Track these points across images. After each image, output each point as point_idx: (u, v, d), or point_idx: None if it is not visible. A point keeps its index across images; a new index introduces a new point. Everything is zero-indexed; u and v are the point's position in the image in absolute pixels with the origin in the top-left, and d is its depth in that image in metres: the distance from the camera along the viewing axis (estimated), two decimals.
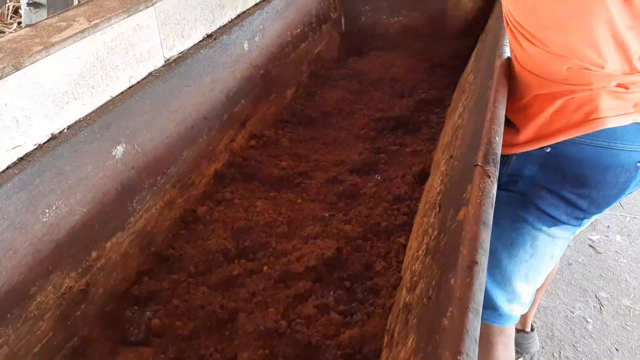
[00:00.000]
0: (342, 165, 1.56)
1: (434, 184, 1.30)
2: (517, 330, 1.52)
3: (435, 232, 1.00)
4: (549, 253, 1.09)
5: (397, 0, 2.25)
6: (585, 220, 1.06)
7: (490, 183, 0.86)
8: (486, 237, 0.76)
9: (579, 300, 2.00)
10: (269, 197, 1.43)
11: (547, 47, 0.95)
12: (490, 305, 1.13)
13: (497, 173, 0.89)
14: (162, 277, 1.18)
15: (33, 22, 2.53)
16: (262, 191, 1.45)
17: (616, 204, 1.11)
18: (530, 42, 0.98)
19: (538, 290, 1.39)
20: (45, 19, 1.17)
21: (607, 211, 2.64)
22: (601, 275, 2.14)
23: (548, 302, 1.95)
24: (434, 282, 0.84)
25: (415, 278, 0.99)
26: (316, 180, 1.48)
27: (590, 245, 2.35)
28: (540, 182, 1.03)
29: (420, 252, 1.05)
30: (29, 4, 2.45)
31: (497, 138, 0.96)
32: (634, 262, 2.25)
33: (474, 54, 1.89)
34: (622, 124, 0.93)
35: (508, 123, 1.02)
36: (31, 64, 0.98)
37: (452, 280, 0.71)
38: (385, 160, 1.58)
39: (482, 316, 0.63)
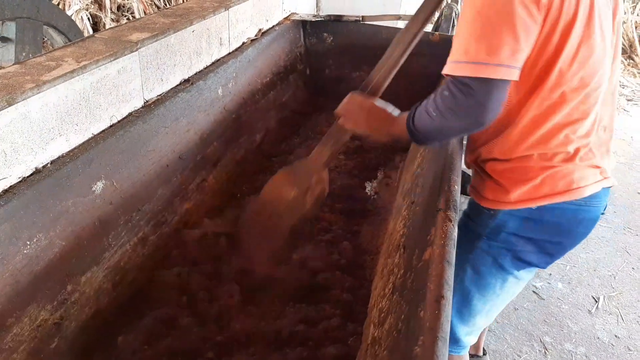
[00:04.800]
0: None
1: (397, 227, 1.40)
2: (472, 356, 1.72)
3: (401, 272, 1.08)
4: (511, 292, 1.24)
5: (359, 57, 2.41)
6: (551, 263, 1.21)
7: (452, 226, 0.96)
8: (450, 274, 0.85)
9: (525, 345, 2.11)
10: None
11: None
12: (452, 339, 1.25)
13: (457, 217, 1.00)
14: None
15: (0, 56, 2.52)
16: None
17: None
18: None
19: None
20: (33, 57, 1.21)
21: None
22: (545, 321, 2.27)
23: (497, 345, 2.04)
24: (403, 316, 0.92)
25: (382, 314, 1.07)
26: None
27: (534, 292, 2.48)
28: (522, 233, 1.15)
29: (386, 290, 1.13)
30: None
31: (455, 187, 1.07)
32: (574, 308, 2.40)
33: None
34: (595, 191, 1.11)
35: (491, 179, 1.15)
36: (23, 100, 1.02)
37: (422, 312, 0.79)
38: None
39: None
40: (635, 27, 6.46)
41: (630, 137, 4.34)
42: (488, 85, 0.92)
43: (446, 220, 0.97)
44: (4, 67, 1.15)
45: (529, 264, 1.20)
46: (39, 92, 1.05)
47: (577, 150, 1.09)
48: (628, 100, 5.36)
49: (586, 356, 2.08)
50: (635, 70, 6.21)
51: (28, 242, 1.00)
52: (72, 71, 1.14)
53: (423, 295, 0.82)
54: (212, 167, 1.68)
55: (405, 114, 1.11)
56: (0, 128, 0.97)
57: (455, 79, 0.94)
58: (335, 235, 1.51)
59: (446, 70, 0.96)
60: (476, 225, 1.19)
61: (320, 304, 1.25)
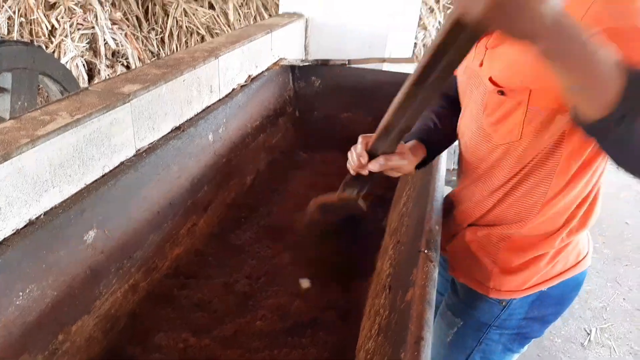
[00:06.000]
0: None
1: (384, 267, 1.43)
2: None
3: (386, 312, 1.11)
4: None
5: (345, 99, 2.49)
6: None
7: (433, 267, 0.99)
8: (430, 315, 0.88)
9: None
10: None
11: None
12: None
13: (437, 257, 1.03)
14: None
15: None
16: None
17: None
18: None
19: None
20: (29, 112, 1.26)
21: None
22: (538, 355, 2.28)
23: None
24: (386, 358, 0.94)
25: (368, 356, 1.08)
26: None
27: None
28: (530, 315, 1.13)
29: (372, 331, 1.15)
30: None
31: (436, 227, 1.11)
32: (567, 342, 2.41)
33: None
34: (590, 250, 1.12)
35: (500, 266, 1.11)
36: (18, 155, 1.06)
37: (402, 354, 0.81)
38: None
39: None
40: None
41: (616, 167, 4.42)
42: None
43: (427, 260, 1.01)
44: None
45: (531, 339, 1.19)
46: (34, 147, 1.10)
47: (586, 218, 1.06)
48: None
49: None
50: None
51: (21, 293, 1.02)
52: (66, 125, 1.18)
53: (404, 336, 0.85)
54: (203, 212, 1.72)
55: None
56: None
57: None
58: (324, 275, 1.54)
59: None
60: (481, 315, 1.16)
61: (307, 347, 1.27)
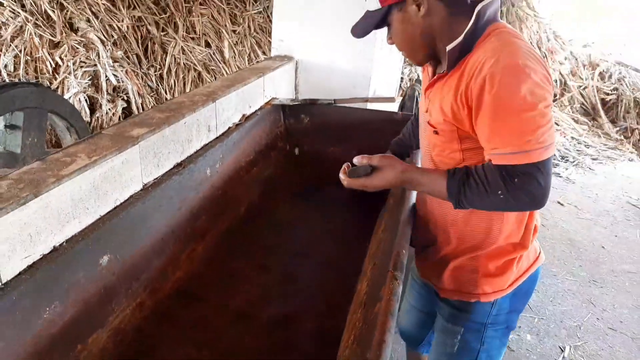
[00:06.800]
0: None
1: (362, 287, 1.61)
2: None
3: (360, 324, 1.29)
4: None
5: (332, 134, 2.71)
6: None
7: (397, 284, 1.18)
8: (392, 324, 1.06)
9: None
10: None
11: None
12: None
13: (402, 277, 1.22)
14: None
15: (8, 142, 2.78)
16: None
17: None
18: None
19: None
20: (52, 153, 1.45)
21: None
22: None
23: None
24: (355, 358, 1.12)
25: None
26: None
27: None
28: (512, 308, 1.34)
29: (349, 342, 1.33)
30: (6, 127, 2.72)
31: (403, 251, 1.30)
32: (543, 359, 2.56)
33: None
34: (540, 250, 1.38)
35: (483, 273, 1.31)
36: (46, 192, 1.25)
37: (369, 355, 1.00)
38: None
39: None
40: (597, 92, 6.96)
41: (595, 194, 4.64)
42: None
43: (393, 279, 1.20)
44: (29, 163, 1.39)
45: (512, 329, 1.40)
46: (59, 185, 1.29)
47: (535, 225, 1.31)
48: (593, 159, 5.70)
49: None
50: (599, 131, 6.62)
51: (47, 309, 1.20)
52: (85, 165, 1.38)
53: (371, 341, 1.03)
54: (201, 239, 1.91)
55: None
56: (28, 216, 1.20)
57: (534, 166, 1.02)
58: (311, 299, 1.72)
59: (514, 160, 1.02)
60: (478, 317, 1.35)
61: None
